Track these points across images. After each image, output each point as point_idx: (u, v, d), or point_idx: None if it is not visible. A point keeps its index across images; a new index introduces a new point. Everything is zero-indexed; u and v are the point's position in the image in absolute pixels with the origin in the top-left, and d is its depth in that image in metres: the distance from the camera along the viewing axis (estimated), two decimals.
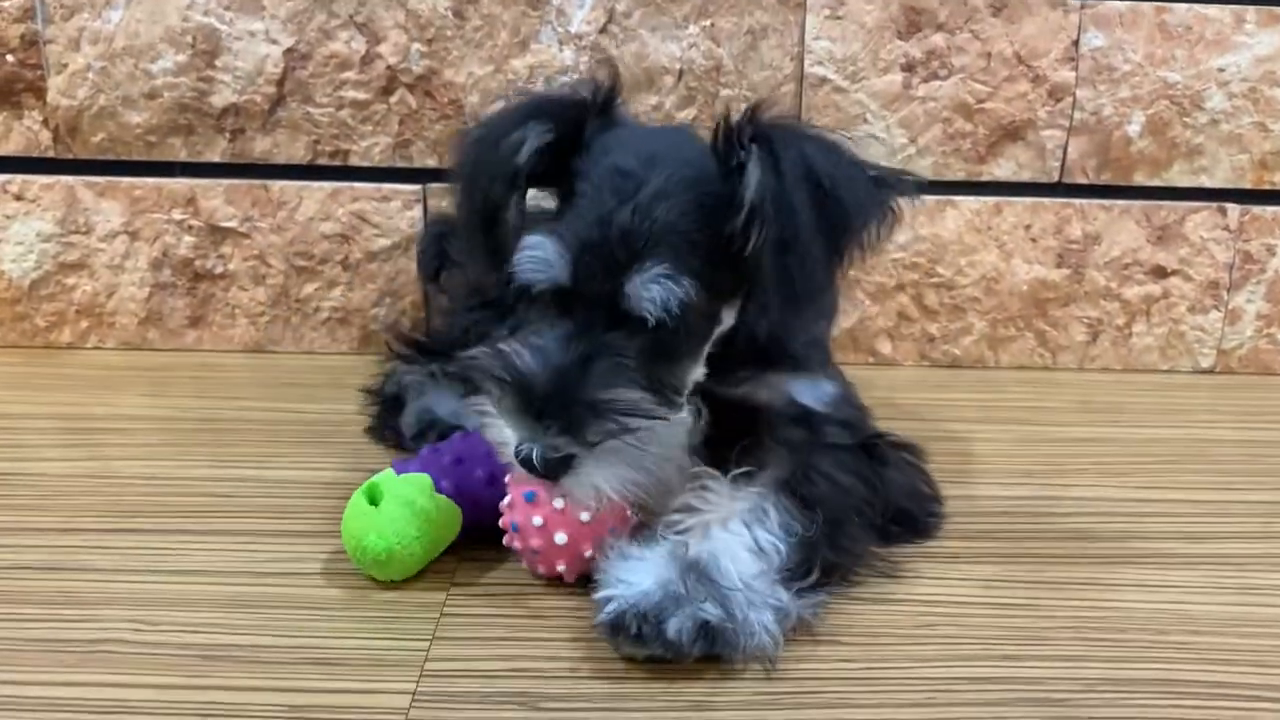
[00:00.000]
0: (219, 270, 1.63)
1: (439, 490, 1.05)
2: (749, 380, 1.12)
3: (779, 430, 1.09)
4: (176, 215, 1.61)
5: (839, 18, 1.54)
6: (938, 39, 1.55)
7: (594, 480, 0.94)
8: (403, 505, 1.02)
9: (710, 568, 0.93)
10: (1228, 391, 1.60)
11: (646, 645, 0.90)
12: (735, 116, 0.99)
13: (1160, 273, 1.63)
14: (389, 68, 1.55)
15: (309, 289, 1.64)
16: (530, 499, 1.00)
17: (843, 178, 0.97)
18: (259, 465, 1.27)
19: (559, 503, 0.98)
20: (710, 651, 0.91)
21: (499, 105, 1.10)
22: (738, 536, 0.97)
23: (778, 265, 0.94)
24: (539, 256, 0.97)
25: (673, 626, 0.89)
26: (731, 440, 1.08)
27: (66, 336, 1.65)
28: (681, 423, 1.02)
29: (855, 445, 1.10)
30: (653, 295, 0.94)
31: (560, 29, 1.54)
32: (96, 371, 1.57)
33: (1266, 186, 1.60)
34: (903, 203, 1.03)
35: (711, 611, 0.90)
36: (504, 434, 0.96)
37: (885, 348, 1.66)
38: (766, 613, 0.93)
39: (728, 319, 1.03)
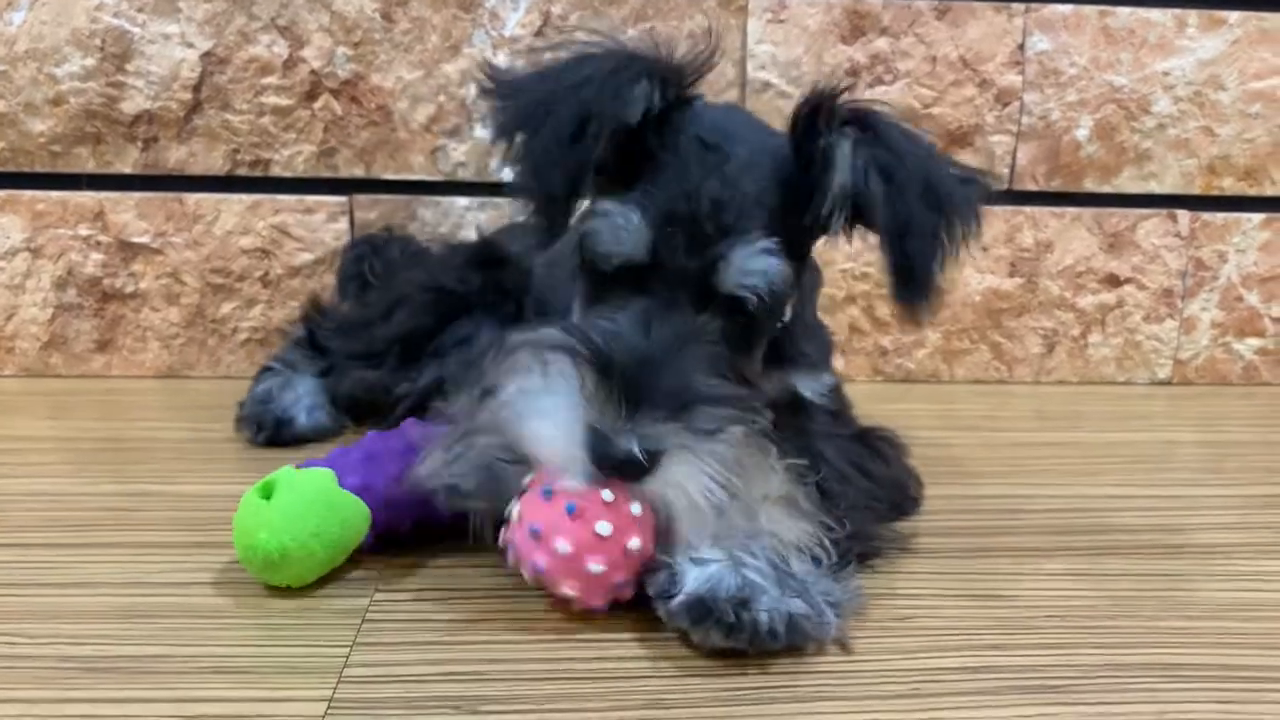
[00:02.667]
0: (129, 290, 1.52)
1: (343, 486, 0.93)
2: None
3: (778, 417, 0.99)
4: (83, 230, 1.50)
5: (781, 21, 1.50)
6: (882, 43, 1.51)
7: (680, 482, 0.81)
8: (298, 498, 0.90)
9: (781, 559, 0.84)
10: (1186, 401, 1.56)
11: (736, 635, 0.79)
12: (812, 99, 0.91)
13: (1114, 281, 1.60)
14: (313, 72, 1.47)
15: (226, 308, 1.53)
16: (571, 511, 0.81)
17: (937, 169, 0.91)
18: (162, 481, 1.15)
19: (604, 528, 0.81)
20: (792, 643, 0.81)
21: (570, 53, 0.92)
22: (790, 527, 0.88)
23: (896, 250, 0.86)
24: (620, 225, 0.86)
25: (764, 616, 0.80)
26: None
27: None
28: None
29: (849, 435, 1.05)
30: (756, 269, 0.85)
31: (494, 32, 1.48)
32: None
33: (1215, 192, 1.58)
34: (986, 203, 0.96)
35: (798, 605, 0.81)
36: (556, 424, 0.81)
37: (838, 362, 1.59)
38: (830, 609, 0.84)
39: (788, 312, 0.95)
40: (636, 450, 0.79)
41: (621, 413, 0.79)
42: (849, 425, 1.08)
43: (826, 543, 0.88)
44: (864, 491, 0.99)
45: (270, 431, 1.26)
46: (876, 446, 1.07)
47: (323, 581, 0.93)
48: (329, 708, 0.76)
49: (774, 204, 0.88)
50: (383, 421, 1.18)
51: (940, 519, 1.09)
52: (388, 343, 1.25)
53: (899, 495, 1.07)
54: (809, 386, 1.05)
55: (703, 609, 0.80)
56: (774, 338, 0.97)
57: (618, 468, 0.80)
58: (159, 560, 0.97)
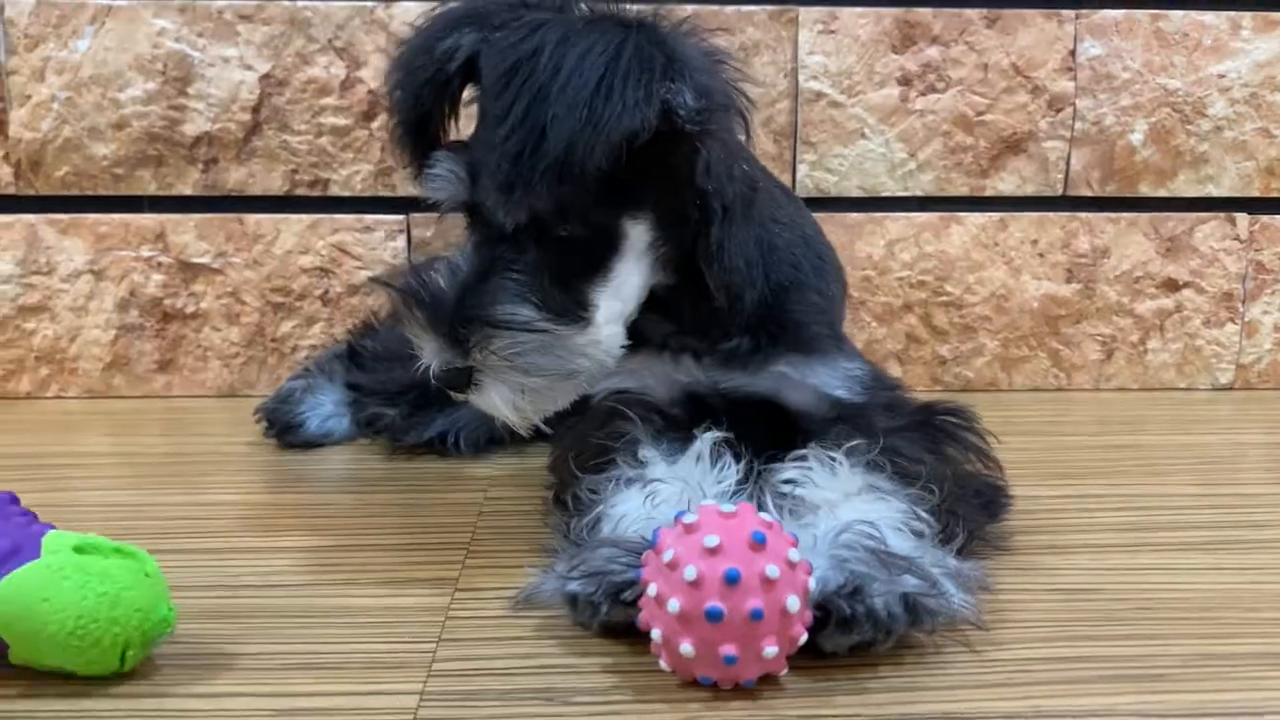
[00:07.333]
0: (190, 310, 1.53)
1: None
2: (762, 371, 1.04)
3: (824, 434, 1.00)
4: (145, 252, 1.52)
5: (832, 32, 1.50)
6: (933, 52, 1.51)
7: (492, 396, 0.91)
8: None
9: (878, 541, 0.83)
10: (1251, 405, 1.54)
11: (856, 629, 0.78)
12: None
13: (1172, 286, 1.58)
14: (370, 92, 1.49)
15: (286, 327, 1.54)
16: (734, 579, 0.73)
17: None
18: (235, 491, 1.16)
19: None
20: (915, 626, 0.80)
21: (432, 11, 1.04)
22: (879, 510, 0.88)
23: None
24: (439, 174, 0.96)
25: (879, 602, 0.78)
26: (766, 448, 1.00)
27: (25, 385, 1.53)
28: (594, 344, 0.95)
29: (912, 423, 1.03)
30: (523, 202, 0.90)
31: None
32: (56, 417, 1.45)
33: (1275, 194, 1.56)
34: None
35: (910, 582, 0.80)
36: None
37: (895, 371, 1.58)
38: (948, 580, 0.84)
39: (637, 234, 0.95)
40: (433, 372, 0.92)
41: (437, 342, 0.91)
42: (906, 412, 1.05)
43: (922, 513, 0.88)
44: (943, 475, 0.96)
45: (279, 430, 1.31)
46: (942, 425, 1.05)
47: (401, 583, 0.92)
48: (421, 700, 0.75)
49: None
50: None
51: (1016, 518, 1.07)
52: (404, 386, 1.27)
53: (980, 485, 1.04)
54: (836, 383, 1.03)
55: (821, 614, 0.78)
56: (752, 312, 1.01)
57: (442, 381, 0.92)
58: (238, 564, 0.97)
